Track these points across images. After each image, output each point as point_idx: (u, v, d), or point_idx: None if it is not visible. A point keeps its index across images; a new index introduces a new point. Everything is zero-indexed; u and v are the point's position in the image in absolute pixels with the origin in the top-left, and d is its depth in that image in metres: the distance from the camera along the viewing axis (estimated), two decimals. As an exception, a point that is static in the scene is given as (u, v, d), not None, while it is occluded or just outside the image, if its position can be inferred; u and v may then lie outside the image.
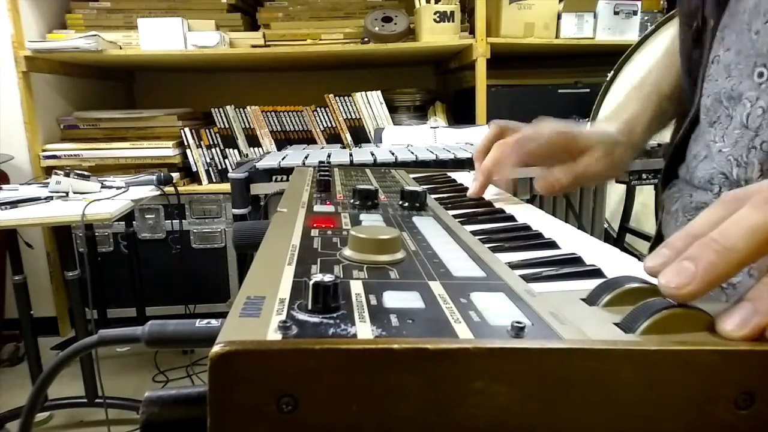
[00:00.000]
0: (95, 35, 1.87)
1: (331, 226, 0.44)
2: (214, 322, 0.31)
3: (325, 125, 2.07)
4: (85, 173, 1.45)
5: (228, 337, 0.22)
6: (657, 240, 0.66)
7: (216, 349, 0.21)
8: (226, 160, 2.08)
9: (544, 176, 0.61)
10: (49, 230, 2.03)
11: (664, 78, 0.64)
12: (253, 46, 2.03)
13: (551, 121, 0.62)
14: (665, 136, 0.66)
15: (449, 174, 0.79)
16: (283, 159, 1.21)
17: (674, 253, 0.29)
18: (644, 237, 1.58)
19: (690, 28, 0.54)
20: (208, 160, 2.07)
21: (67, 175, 1.40)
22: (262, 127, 2.07)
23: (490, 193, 0.63)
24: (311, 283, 0.26)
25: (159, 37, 1.94)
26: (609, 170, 0.62)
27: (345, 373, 0.22)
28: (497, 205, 0.58)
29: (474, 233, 0.45)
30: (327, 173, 0.63)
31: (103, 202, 1.32)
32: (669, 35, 0.66)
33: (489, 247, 0.41)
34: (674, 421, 0.24)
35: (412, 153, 1.22)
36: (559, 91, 2.08)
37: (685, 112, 0.58)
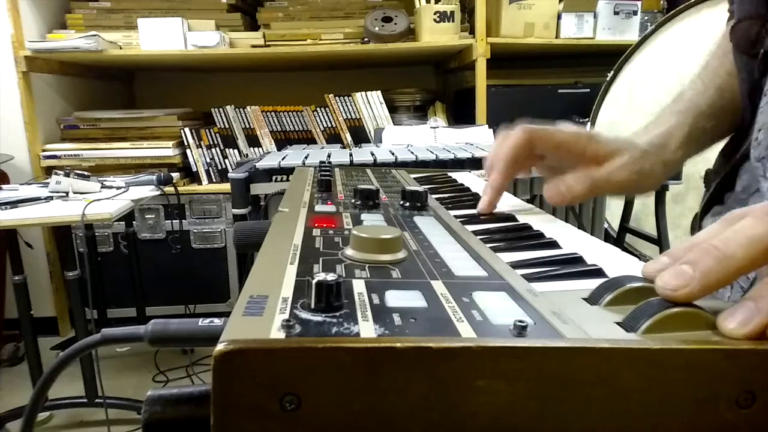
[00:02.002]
0: (95, 35, 1.87)
1: (333, 225, 0.44)
2: (216, 321, 0.31)
3: (325, 125, 2.07)
4: (85, 173, 1.45)
5: (232, 335, 0.22)
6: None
7: (220, 347, 0.21)
8: (226, 160, 2.08)
9: (554, 184, 0.54)
10: (49, 230, 2.03)
11: (702, 95, 0.58)
12: (253, 46, 2.03)
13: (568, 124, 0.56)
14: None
15: (450, 174, 0.79)
16: (283, 159, 1.21)
17: (674, 261, 0.29)
18: (644, 237, 1.58)
19: (754, 57, 0.51)
20: (208, 160, 2.08)
21: (67, 175, 1.40)
22: (262, 127, 2.07)
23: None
24: (314, 282, 0.26)
25: (159, 37, 1.94)
26: (635, 181, 0.53)
27: (348, 372, 0.22)
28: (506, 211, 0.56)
29: (475, 233, 0.45)
30: (328, 173, 0.63)
31: (103, 202, 1.32)
32: (708, 51, 0.62)
33: (490, 247, 0.41)
34: (676, 419, 0.24)
35: (412, 153, 1.22)
36: (559, 91, 2.08)
37: (737, 138, 0.55)
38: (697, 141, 0.58)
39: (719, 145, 0.61)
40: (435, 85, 2.60)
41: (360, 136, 2.06)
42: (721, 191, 0.58)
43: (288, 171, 1.15)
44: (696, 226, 0.65)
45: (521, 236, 0.45)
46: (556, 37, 2.03)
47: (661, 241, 1.47)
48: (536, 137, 0.53)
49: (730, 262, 0.27)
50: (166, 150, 2.00)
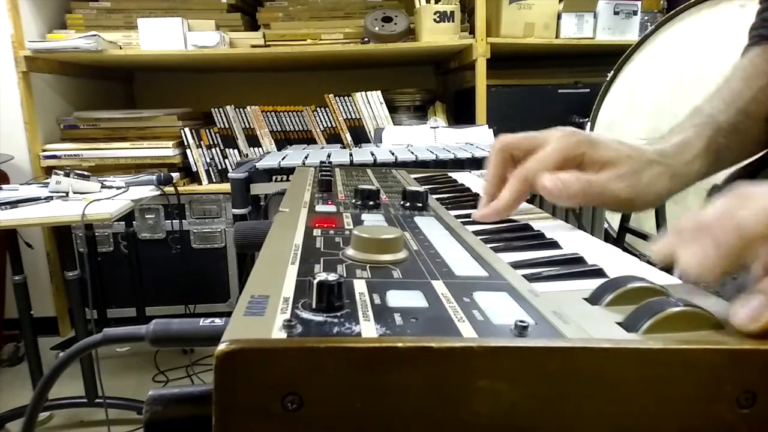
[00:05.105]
0: (95, 35, 1.87)
1: (334, 225, 0.44)
2: (218, 321, 0.31)
3: (325, 125, 2.07)
4: (85, 173, 1.45)
5: (233, 335, 0.22)
6: None
7: (222, 347, 0.22)
8: (226, 160, 2.08)
9: (550, 177, 0.47)
10: (49, 230, 2.03)
11: (723, 113, 0.55)
12: (253, 46, 2.03)
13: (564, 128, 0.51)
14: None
15: (450, 174, 0.79)
16: (283, 159, 1.21)
17: (679, 239, 0.28)
18: (644, 237, 1.58)
19: None
20: (208, 160, 2.07)
21: (67, 175, 1.40)
22: (262, 127, 2.07)
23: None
24: (315, 282, 0.26)
25: (159, 37, 1.93)
26: (629, 195, 0.48)
27: (349, 372, 0.22)
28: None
29: (476, 233, 0.45)
30: (328, 173, 0.63)
31: (103, 202, 1.32)
32: (727, 74, 0.59)
33: (491, 247, 0.41)
34: (677, 419, 0.24)
35: (412, 153, 1.22)
36: (559, 91, 2.08)
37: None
38: (716, 155, 0.53)
39: None
40: (435, 85, 2.60)
41: (360, 136, 2.06)
42: None
43: (288, 171, 1.15)
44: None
45: (522, 236, 0.45)
46: (556, 37, 2.03)
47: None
48: (510, 147, 0.51)
49: None
50: (166, 150, 2.00)
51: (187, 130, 2.04)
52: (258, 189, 1.16)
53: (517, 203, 0.50)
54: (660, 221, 1.43)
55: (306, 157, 1.21)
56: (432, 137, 1.71)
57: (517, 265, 0.37)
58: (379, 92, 2.06)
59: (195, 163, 2.06)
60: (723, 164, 0.56)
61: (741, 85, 0.57)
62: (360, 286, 0.30)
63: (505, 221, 0.51)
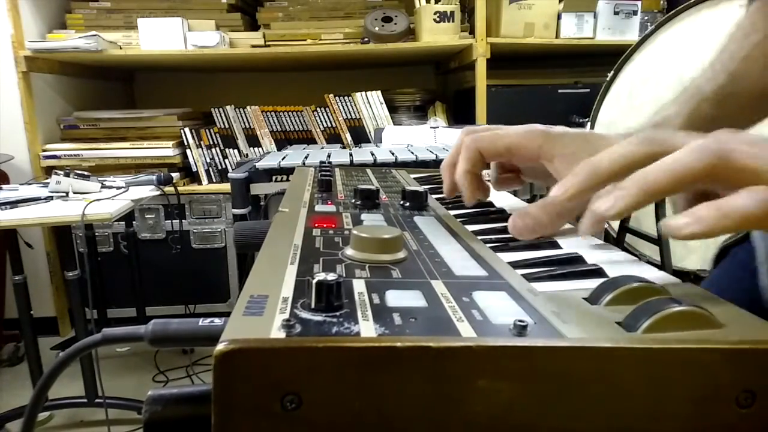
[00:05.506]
0: (95, 35, 1.87)
1: (333, 225, 0.44)
2: (217, 320, 0.31)
3: (325, 125, 2.07)
4: (85, 173, 1.45)
5: (232, 335, 0.22)
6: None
7: (221, 347, 0.22)
8: (226, 160, 2.08)
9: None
10: (49, 230, 2.03)
11: (710, 82, 0.54)
12: (253, 46, 2.03)
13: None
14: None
15: (450, 174, 0.79)
16: (283, 159, 1.21)
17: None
18: (644, 237, 1.58)
19: None
20: (208, 160, 2.07)
21: (67, 175, 1.40)
22: (262, 127, 2.07)
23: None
24: (314, 281, 0.26)
25: (159, 37, 1.94)
26: None
27: (348, 371, 0.22)
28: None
29: (475, 233, 0.45)
30: (328, 173, 0.63)
31: (103, 202, 1.32)
32: (727, 33, 0.57)
33: (490, 247, 0.41)
34: (676, 419, 0.24)
35: (412, 153, 1.22)
36: (559, 91, 2.08)
37: None
38: (701, 128, 0.50)
39: None
40: (435, 85, 2.60)
41: (360, 136, 2.06)
42: None
43: (288, 171, 1.15)
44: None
45: (521, 236, 0.45)
46: (556, 37, 2.03)
47: (661, 241, 1.47)
48: (483, 151, 0.49)
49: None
50: (166, 150, 2.00)
51: (187, 130, 2.04)
52: (258, 189, 1.16)
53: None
54: (660, 221, 1.43)
55: (306, 157, 1.21)
56: (432, 137, 1.71)
57: (516, 265, 0.37)
58: (379, 92, 2.06)
59: (195, 163, 2.06)
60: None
61: (735, 46, 0.55)
62: (359, 286, 0.30)
63: (504, 221, 0.51)
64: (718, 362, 0.24)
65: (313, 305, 0.26)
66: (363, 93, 2.05)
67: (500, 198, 0.62)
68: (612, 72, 1.74)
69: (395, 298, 0.28)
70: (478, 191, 0.51)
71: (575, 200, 0.34)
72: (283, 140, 2.08)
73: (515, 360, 0.23)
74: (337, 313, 0.26)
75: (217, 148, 2.08)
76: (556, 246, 0.42)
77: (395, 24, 2.02)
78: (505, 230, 0.47)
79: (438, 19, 1.95)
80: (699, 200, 0.31)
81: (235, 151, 2.08)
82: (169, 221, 2.01)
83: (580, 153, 0.45)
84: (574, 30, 2.02)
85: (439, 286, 0.31)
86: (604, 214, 0.31)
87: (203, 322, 0.31)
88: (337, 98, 2.05)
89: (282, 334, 0.23)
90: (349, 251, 0.35)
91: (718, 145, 0.30)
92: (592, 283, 0.31)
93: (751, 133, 0.34)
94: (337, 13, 2.18)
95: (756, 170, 0.30)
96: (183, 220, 2.01)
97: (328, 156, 1.24)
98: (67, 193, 1.38)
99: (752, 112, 0.55)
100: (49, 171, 1.76)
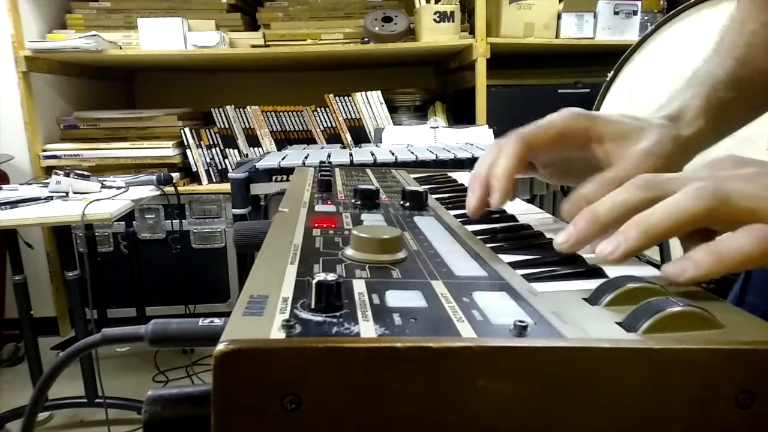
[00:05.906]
0: (95, 35, 1.87)
1: (333, 225, 0.44)
2: (217, 321, 0.31)
3: (325, 125, 2.07)
4: (85, 173, 1.45)
5: (232, 335, 0.22)
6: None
7: (220, 347, 0.21)
8: (226, 160, 2.08)
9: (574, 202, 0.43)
10: (49, 230, 2.03)
11: (720, 66, 0.52)
12: (253, 46, 2.03)
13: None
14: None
15: (450, 174, 0.79)
16: (283, 159, 1.21)
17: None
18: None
19: None
20: (208, 160, 2.07)
21: (67, 175, 1.40)
22: (262, 127, 2.07)
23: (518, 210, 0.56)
24: (314, 282, 0.26)
25: (159, 37, 1.94)
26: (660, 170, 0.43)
27: (348, 372, 0.22)
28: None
29: (475, 233, 0.45)
30: (328, 173, 0.63)
31: (103, 202, 1.32)
32: (719, 29, 0.56)
33: (490, 247, 0.41)
34: (676, 419, 0.24)
35: (412, 153, 1.22)
36: (559, 91, 2.08)
37: None
38: (719, 111, 0.49)
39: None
40: (435, 85, 2.60)
41: (360, 136, 2.06)
42: None
43: (288, 171, 1.15)
44: None
45: (521, 236, 0.45)
46: (556, 37, 2.03)
47: (661, 241, 1.47)
48: (533, 142, 0.47)
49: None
50: (166, 150, 2.00)
51: (187, 130, 2.04)
52: (258, 189, 1.16)
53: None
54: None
55: (306, 157, 1.21)
56: (432, 137, 1.71)
57: (516, 265, 0.37)
58: (379, 92, 2.06)
59: (195, 163, 2.06)
60: (731, 120, 0.52)
61: (734, 33, 0.55)
62: (359, 286, 0.30)
63: (504, 221, 0.51)
64: (718, 363, 0.24)
65: (313, 305, 0.26)
66: (363, 93, 2.05)
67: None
68: (612, 72, 1.74)
69: (395, 298, 0.28)
70: (510, 193, 0.47)
71: (576, 249, 0.36)
72: (283, 140, 2.08)
73: (515, 360, 0.23)
74: (337, 314, 0.26)
75: (217, 148, 2.08)
76: (556, 246, 0.42)
77: (395, 24, 2.02)
78: (505, 230, 0.47)
79: (438, 19, 1.95)
80: (700, 233, 0.33)
81: (235, 151, 2.08)
82: (169, 221, 2.01)
83: (631, 135, 0.46)
84: (574, 30, 2.02)
85: (439, 287, 0.31)
86: (607, 258, 0.33)
87: (203, 322, 0.31)
88: (337, 98, 2.05)
89: (282, 335, 0.23)
90: (349, 251, 0.35)
91: (715, 186, 0.32)
92: (592, 284, 0.31)
93: (751, 161, 0.36)
94: (337, 13, 2.18)
95: (753, 210, 0.31)
96: (183, 220, 2.01)
97: (328, 156, 1.24)
98: (67, 193, 1.38)
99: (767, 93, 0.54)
100: (49, 171, 1.76)
